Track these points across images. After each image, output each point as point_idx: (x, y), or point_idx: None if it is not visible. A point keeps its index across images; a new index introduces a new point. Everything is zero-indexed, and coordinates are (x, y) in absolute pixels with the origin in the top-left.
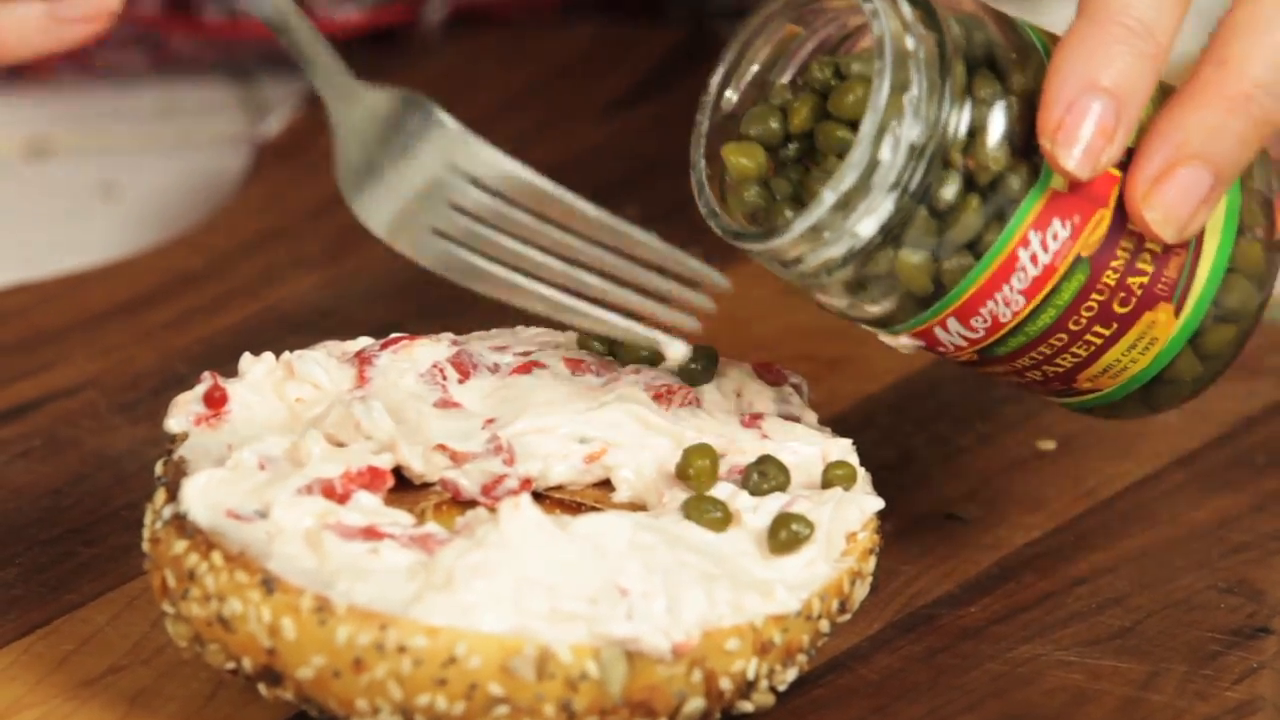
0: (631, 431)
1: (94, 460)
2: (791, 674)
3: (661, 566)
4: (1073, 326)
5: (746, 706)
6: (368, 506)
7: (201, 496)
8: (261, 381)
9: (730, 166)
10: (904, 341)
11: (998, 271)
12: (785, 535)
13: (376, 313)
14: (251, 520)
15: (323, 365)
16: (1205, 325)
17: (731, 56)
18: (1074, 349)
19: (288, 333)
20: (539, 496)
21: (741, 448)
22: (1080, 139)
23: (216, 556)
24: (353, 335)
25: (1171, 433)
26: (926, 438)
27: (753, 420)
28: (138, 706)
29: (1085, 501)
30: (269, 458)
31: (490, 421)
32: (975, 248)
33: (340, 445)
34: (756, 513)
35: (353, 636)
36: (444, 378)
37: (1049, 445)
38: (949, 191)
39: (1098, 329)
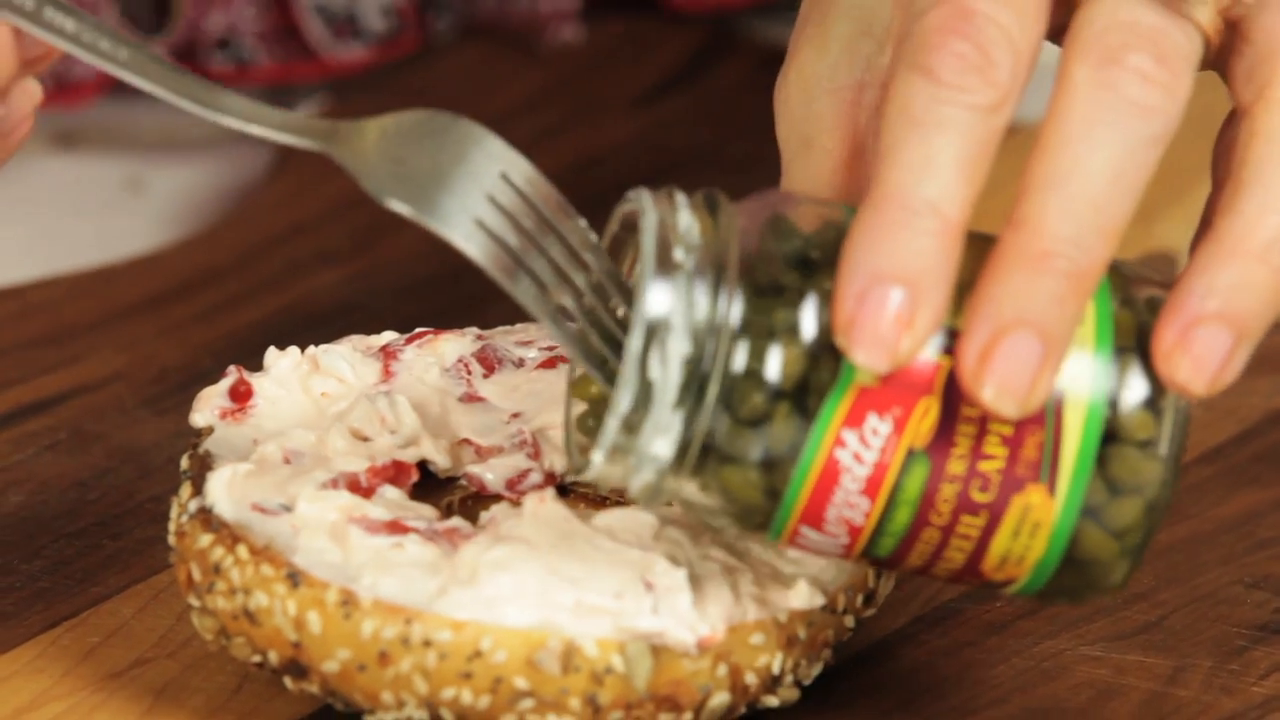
0: None
1: (120, 454)
2: (817, 669)
3: (686, 561)
4: (936, 520)
5: (771, 701)
6: (392, 501)
7: (227, 490)
8: (287, 376)
9: (573, 404)
10: (793, 554)
11: (823, 476)
12: None
13: (401, 307)
14: (277, 514)
15: (348, 360)
16: (1098, 502)
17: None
18: (954, 543)
19: (313, 327)
20: (563, 491)
21: None
22: (875, 331)
23: (242, 550)
24: (378, 330)
25: (1197, 428)
26: None
27: None
28: (164, 699)
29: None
30: (294, 452)
31: (515, 416)
32: (793, 453)
33: (365, 440)
34: None
35: (378, 630)
36: (469, 372)
37: None
38: (748, 400)
39: (966, 519)
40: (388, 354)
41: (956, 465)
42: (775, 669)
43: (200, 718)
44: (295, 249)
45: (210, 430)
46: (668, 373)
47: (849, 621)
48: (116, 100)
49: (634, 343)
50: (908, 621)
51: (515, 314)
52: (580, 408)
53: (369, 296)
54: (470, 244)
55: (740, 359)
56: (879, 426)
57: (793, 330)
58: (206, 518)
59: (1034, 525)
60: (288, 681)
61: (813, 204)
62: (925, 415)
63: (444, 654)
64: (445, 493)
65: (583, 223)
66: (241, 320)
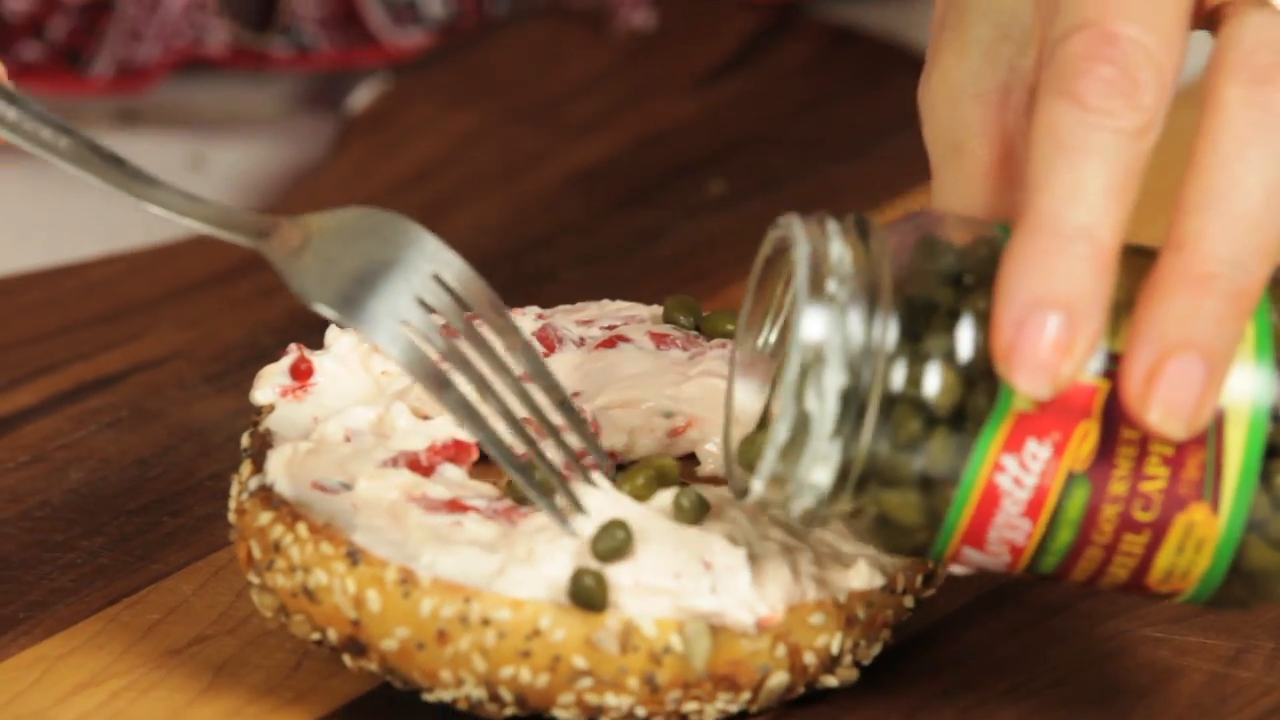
0: (716, 405)
1: (180, 431)
2: (876, 649)
3: (745, 540)
4: (1098, 539)
5: (830, 681)
6: (452, 479)
7: (287, 468)
8: (347, 354)
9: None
10: (955, 569)
11: (983, 500)
12: None
13: None
14: (337, 492)
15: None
16: (1262, 515)
17: (747, 306)
18: (1118, 560)
19: None
20: (620, 469)
21: None
22: (1035, 358)
23: (302, 528)
24: None
25: None
26: None
27: None
28: (223, 676)
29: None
30: (354, 430)
31: (575, 395)
32: (953, 477)
33: (425, 418)
34: None
35: (437, 609)
36: None
37: None
38: (907, 426)
39: (1129, 538)
40: (449, 333)
41: (1118, 486)
42: (834, 649)
43: (259, 695)
44: None
45: (271, 408)
46: (824, 405)
47: (908, 602)
48: (177, 79)
49: (790, 374)
50: (967, 602)
51: (576, 294)
52: (739, 430)
53: None
54: (393, 349)
55: (897, 384)
56: (1039, 451)
57: (950, 355)
58: (267, 495)
59: (1198, 542)
60: (346, 659)
61: (963, 222)
62: (1085, 439)
63: (503, 633)
64: (505, 472)
65: (514, 319)
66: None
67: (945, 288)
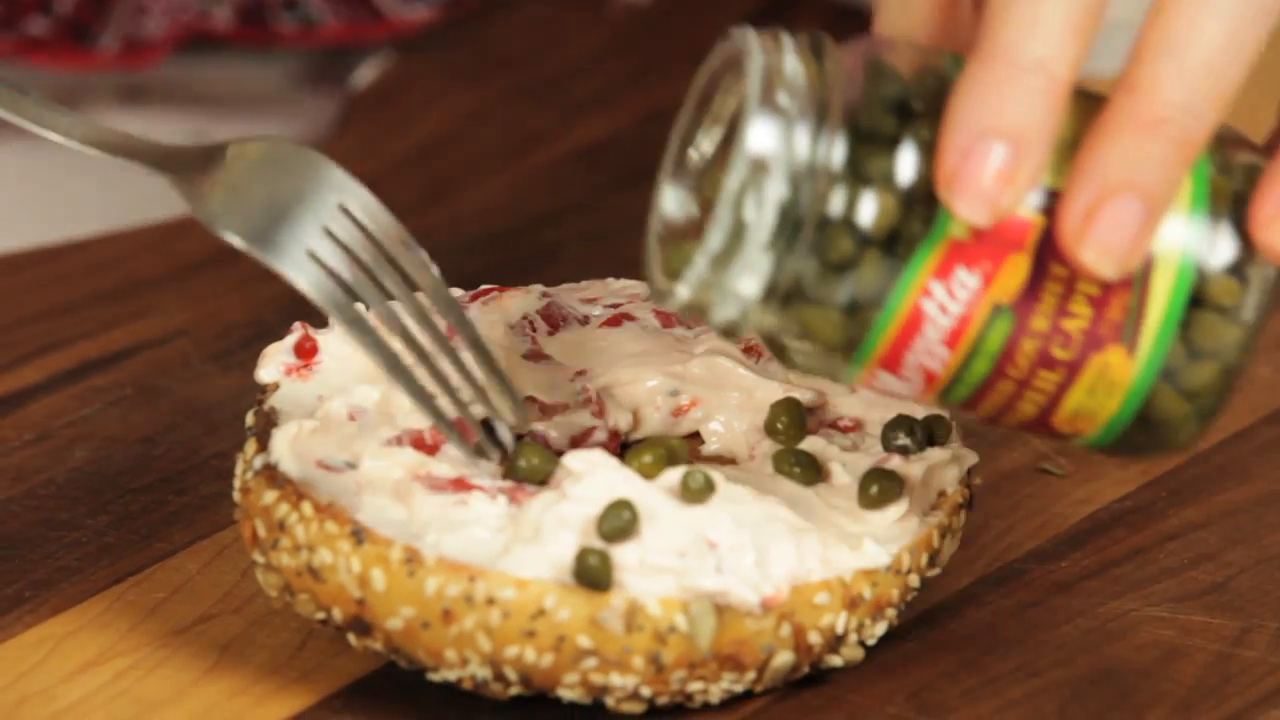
0: (722, 385)
1: (185, 409)
2: (881, 628)
3: (750, 520)
4: (1013, 374)
5: (835, 661)
6: (457, 458)
7: (292, 447)
8: None
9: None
10: (863, 390)
11: (906, 324)
12: (876, 491)
13: (466, 263)
14: (341, 471)
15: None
16: (1176, 365)
17: (686, 114)
18: (1029, 396)
19: None
20: (625, 449)
21: (833, 402)
22: (977, 185)
23: (306, 507)
24: None
25: (1264, 389)
26: None
27: None
28: (228, 655)
29: (1178, 457)
30: (359, 409)
31: (580, 374)
32: (878, 300)
33: (430, 397)
34: (847, 467)
35: (442, 588)
36: (534, 329)
37: None
38: (839, 245)
39: (1044, 374)
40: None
41: (1040, 322)
42: (839, 628)
43: (264, 674)
44: None
45: (275, 387)
46: (763, 214)
47: (913, 581)
48: (183, 56)
49: (732, 182)
50: (972, 581)
51: (580, 272)
52: (661, 230)
53: (434, 252)
54: (300, 277)
55: (836, 204)
56: (967, 280)
57: (889, 178)
58: (271, 474)
59: (1110, 384)
60: (351, 639)
61: (912, 50)
62: (1014, 271)
63: (507, 612)
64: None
65: (423, 254)
66: None
67: (892, 113)
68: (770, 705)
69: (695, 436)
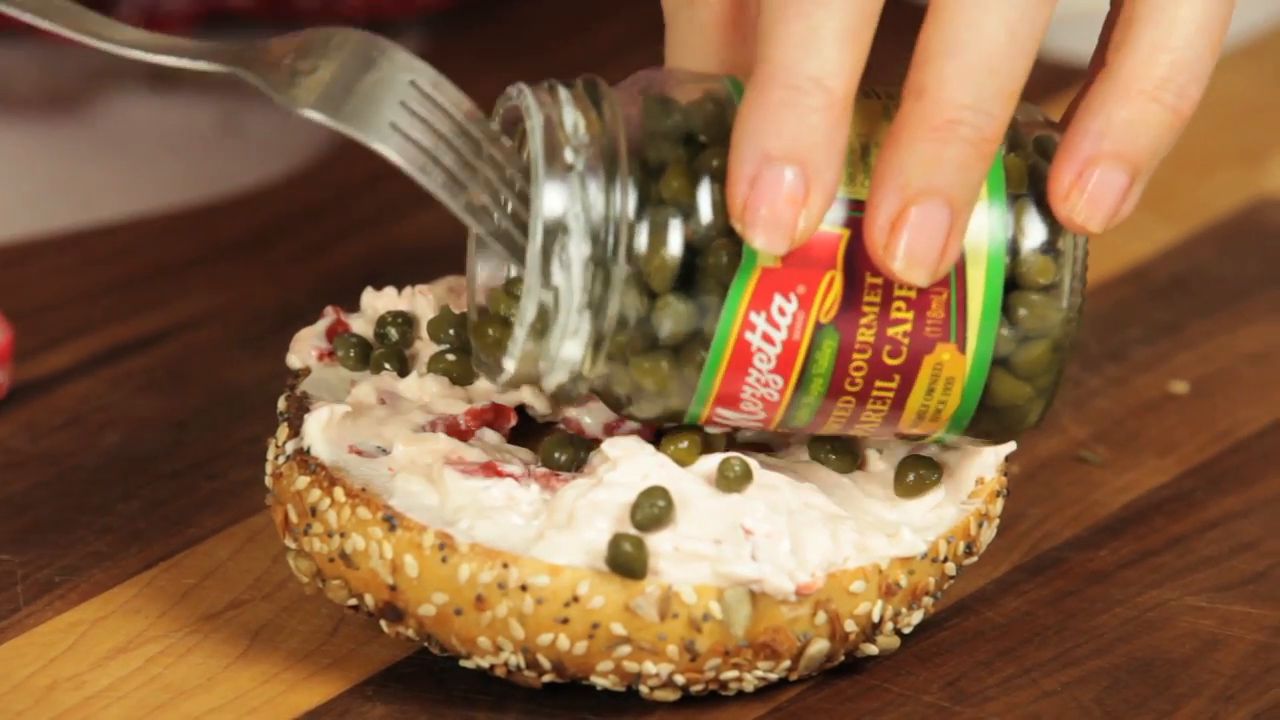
0: None
1: (216, 394)
2: (917, 616)
3: (786, 507)
4: (850, 389)
5: (871, 649)
6: (490, 444)
7: (323, 432)
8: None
9: (477, 343)
10: (712, 430)
11: (734, 360)
12: (913, 479)
13: None
14: (374, 456)
15: (445, 301)
16: (1008, 350)
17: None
18: (870, 407)
19: (409, 268)
20: (660, 436)
21: None
22: (770, 213)
23: (339, 492)
24: None
25: None
26: None
27: None
28: (259, 641)
29: (1217, 445)
30: (391, 394)
31: None
32: (703, 340)
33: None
34: (883, 455)
35: (475, 574)
36: None
37: (1181, 388)
38: (652, 290)
39: (880, 384)
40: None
41: (865, 334)
42: (875, 617)
43: (295, 660)
44: (391, 189)
45: (307, 371)
46: (571, 276)
47: (950, 569)
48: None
49: (534, 247)
50: (1009, 570)
51: None
52: (479, 313)
53: (466, 236)
54: (387, 146)
55: (641, 249)
56: (785, 305)
57: (689, 216)
58: (303, 459)
59: (947, 381)
60: (384, 625)
61: (690, 78)
62: (830, 288)
63: (541, 599)
64: (543, 437)
65: (494, 124)
66: (338, 261)
67: (678, 147)
68: (805, 694)
69: None
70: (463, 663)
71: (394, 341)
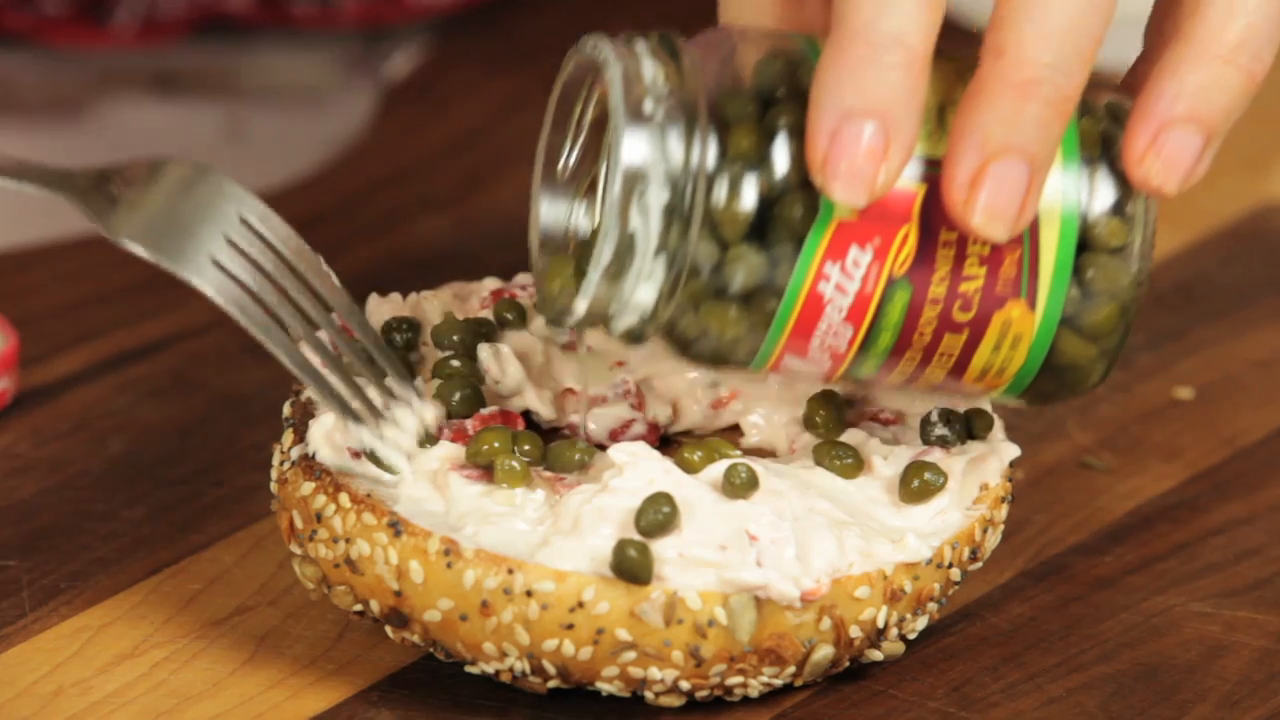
0: (761, 376)
1: (222, 400)
2: (922, 622)
3: (791, 513)
4: (918, 342)
5: (876, 655)
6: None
7: (329, 438)
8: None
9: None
10: (772, 378)
11: (806, 308)
12: (918, 484)
13: (503, 254)
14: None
15: (450, 307)
16: (1076, 310)
17: (546, 129)
18: (936, 360)
19: (414, 274)
20: (667, 441)
21: (873, 395)
22: (850, 167)
23: (344, 498)
24: (479, 276)
25: None
26: None
27: None
28: (265, 647)
29: (1222, 451)
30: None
31: (619, 365)
32: (776, 289)
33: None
34: (888, 460)
35: (480, 580)
36: None
37: (1186, 394)
38: (728, 241)
39: (949, 338)
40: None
41: (937, 288)
42: (880, 622)
43: (301, 666)
44: (397, 195)
45: None
46: (649, 222)
47: (955, 575)
48: (213, 44)
49: (614, 194)
50: (1014, 576)
51: None
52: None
53: (471, 243)
54: (205, 283)
55: (719, 200)
56: (860, 257)
57: (767, 168)
58: (308, 465)
59: (1015, 338)
60: (389, 631)
61: (764, 36)
62: (905, 243)
63: (546, 604)
64: (548, 443)
65: (322, 264)
66: (343, 266)
67: (754, 103)
68: (810, 699)
69: (735, 429)
70: (468, 668)
71: (399, 347)
